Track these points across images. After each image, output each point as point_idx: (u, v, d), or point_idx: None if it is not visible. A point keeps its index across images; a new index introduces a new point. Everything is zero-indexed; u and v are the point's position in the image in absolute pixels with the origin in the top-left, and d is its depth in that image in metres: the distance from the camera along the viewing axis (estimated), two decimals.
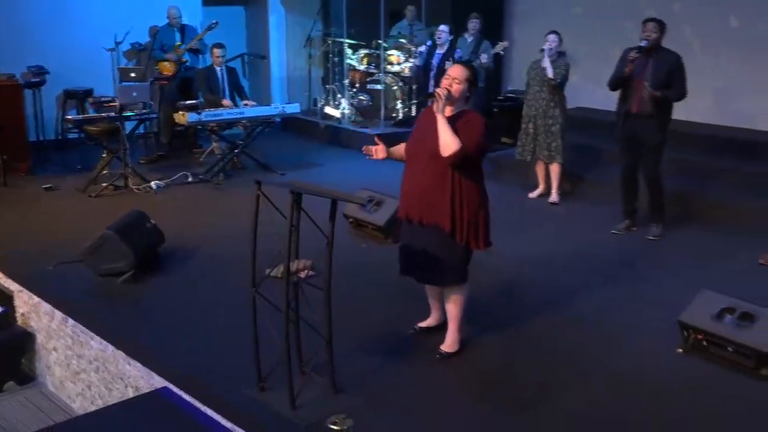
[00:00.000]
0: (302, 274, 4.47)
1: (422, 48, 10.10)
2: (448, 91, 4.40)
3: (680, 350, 4.72)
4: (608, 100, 10.01)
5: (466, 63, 4.56)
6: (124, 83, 8.68)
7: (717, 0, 9.11)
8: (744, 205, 7.43)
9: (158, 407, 4.51)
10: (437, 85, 8.46)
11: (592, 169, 8.71)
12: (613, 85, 6.91)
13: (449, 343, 4.73)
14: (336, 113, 11.25)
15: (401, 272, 4.75)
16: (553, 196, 8.09)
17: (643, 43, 6.64)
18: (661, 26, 6.68)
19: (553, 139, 8.02)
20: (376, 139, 4.76)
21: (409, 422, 4.05)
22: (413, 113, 10.78)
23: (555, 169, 8.13)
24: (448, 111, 4.44)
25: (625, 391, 4.33)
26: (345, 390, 4.24)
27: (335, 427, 3.94)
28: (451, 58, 9.40)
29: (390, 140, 10.29)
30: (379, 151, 4.67)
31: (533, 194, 8.32)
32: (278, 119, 9.36)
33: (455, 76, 4.45)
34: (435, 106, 4.38)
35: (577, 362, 4.66)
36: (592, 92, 10.26)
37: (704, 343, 4.62)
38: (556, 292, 5.66)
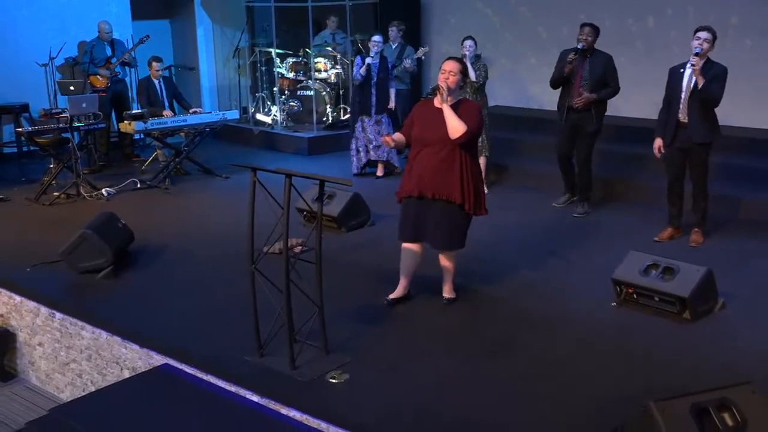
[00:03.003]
0: (297, 250, 5.00)
1: (358, 61, 9.90)
2: (448, 86, 5.16)
3: (614, 304, 5.51)
4: (521, 98, 10.93)
5: (457, 58, 5.33)
6: (73, 95, 8.95)
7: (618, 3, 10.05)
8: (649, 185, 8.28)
9: (161, 381, 4.91)
10: (379, 92, 9.07)
11: (513, 159, 9.52)
12: (555, 84, 7.71)
13: (449, 291, 5.63)
14: (267, 119, 11.73)
15: (405, 240, 5.44)
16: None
17: (580, 46, 7.45)
18: (595, 30, 7.52)
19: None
20: (388, 136, 5.39)
21: (393, 373, 4.65)
22: (342, 116, 11.40)
23: (481, 162, 8.87)
24: (449, 100, 5.17)
25: (571, 338, 5.08)
26: (334, 351, 4.82)
27: (334, 381, 4.54)
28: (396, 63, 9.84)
29: (323, 142, 10.92)
30: (389, 140, 5.34)
31: None
32: (218, 126, 9.79)
33: (450, 69, 5.19)
34: (440, 97, 5.14)
35: (529, 318, 5.40)
36: (507, 91, 11.09)
37: (634, 295, 5.42)
38: (505, 266, 6.38)
